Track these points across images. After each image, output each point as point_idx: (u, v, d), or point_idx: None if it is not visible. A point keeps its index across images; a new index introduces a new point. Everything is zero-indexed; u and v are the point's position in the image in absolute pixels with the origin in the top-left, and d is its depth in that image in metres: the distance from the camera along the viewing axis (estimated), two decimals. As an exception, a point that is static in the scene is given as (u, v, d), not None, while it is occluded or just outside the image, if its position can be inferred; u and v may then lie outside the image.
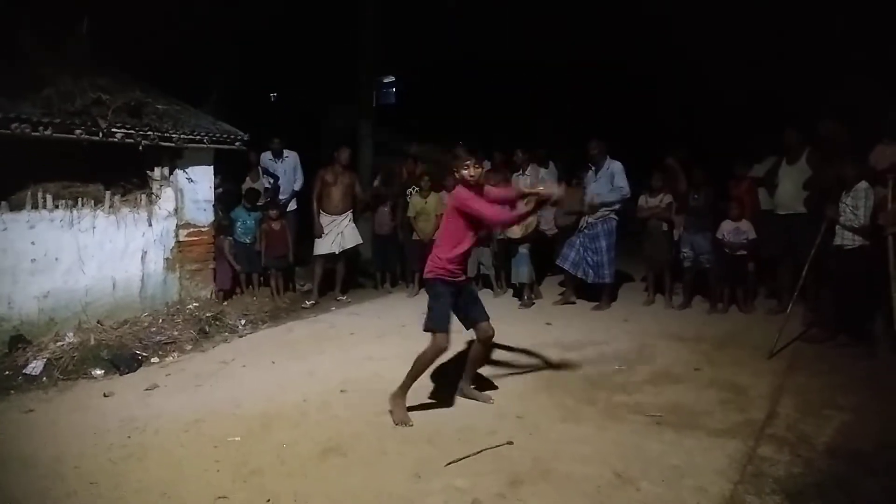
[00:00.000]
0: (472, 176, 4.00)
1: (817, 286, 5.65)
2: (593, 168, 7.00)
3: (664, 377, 4.79)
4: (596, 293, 7.20)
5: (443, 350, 4.05)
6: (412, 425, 3.95)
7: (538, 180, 7.31)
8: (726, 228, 6.65)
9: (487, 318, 4.19)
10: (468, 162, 3.99)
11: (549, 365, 5.12)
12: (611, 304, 7.14)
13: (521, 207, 4.38)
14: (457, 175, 4.10)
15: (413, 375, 4.06)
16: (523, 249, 7.21)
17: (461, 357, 4.55)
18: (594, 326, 6.32)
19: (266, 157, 8.26)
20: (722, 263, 6.69)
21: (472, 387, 4.44)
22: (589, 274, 7.02)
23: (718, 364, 5.07)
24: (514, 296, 7.61)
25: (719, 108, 11.07)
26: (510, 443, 3.65)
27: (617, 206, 6.89)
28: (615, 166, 6.84)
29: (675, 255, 7.05)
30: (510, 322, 6.46)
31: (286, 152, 8.28)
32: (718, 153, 7.72)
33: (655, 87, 12.45)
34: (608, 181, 6.82)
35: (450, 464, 3.40)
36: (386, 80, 17.64)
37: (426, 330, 4.07)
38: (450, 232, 4.10)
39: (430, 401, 4.34)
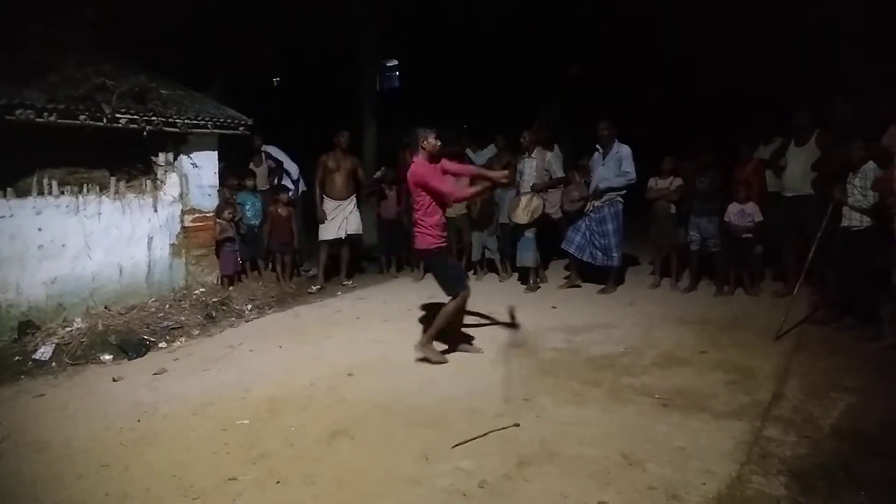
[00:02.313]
0: (434, 146, 4.68)
1: (824, 268, 5.63)
2: (601, 151, 6.95)
3: (670, 360, 4.79)
4: (601, 276, 7.20)
5: (466, 300, 4.78)
6: (447, 362, 4.70)
7: (544, 163, 7.26)
8: (732, 211, 6.62)
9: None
10: (432, 134, 4.67)
11: (555, 348, 5.14)
12: (617, 287, 7.13)
13: (473, 187, 5.04)
14: (423, 146, 4.68)
15: (438, 327, 4.71)
16: (529, 234, 7.19)
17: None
18: (600, 310, 6.32)
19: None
20: (728, 246, 6.67)
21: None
22: (597, 257, 7.00)
23: (724, 346, 5.06)
24: (519, 280, 7.61)
25: (724, 90, 10.99)
26: (517, 425, 3.66)
27: (623, 190, 6.86)
28: (623, 150, 6.78)
29: (682, 238, 7.02)
30: (516, 306, 6.48)
31: (265, 148, 8.24)
32: (724, 135, 7.66)
33: (660, 69, 12.34)
34: (616, 165, 6.76)
35: (457, 445, 3.42)
36: (389, 64, 17.54)
37: (452, 294, 4.67)
38: (422, 205, 4.66)
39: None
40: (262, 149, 8.19)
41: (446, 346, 4.99)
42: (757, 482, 3.02)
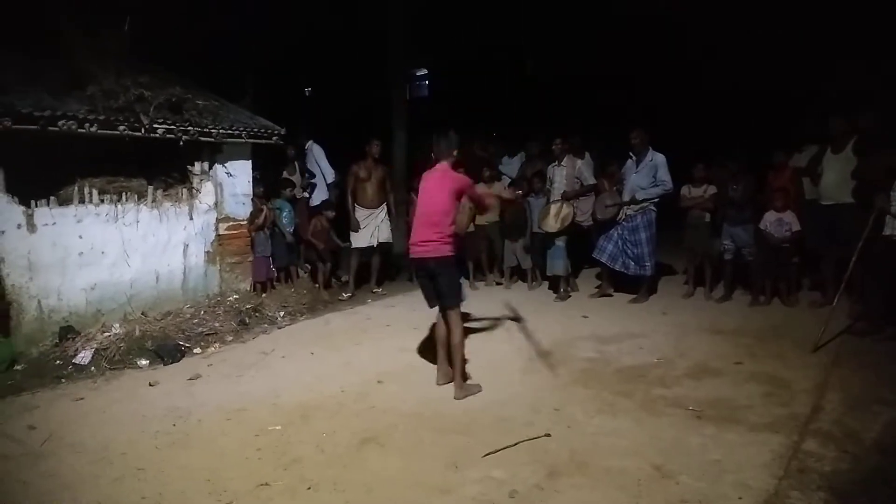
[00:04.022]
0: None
1: (864, 278, 5.49)
2: (634, 158, 6.88)
3: (704, 371, 4.71)
4: (633, 285, 7.11)
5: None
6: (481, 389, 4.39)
7: (575, 171, 7.22)
8: (769, 219, 6.49)
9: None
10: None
11: (586, 358, 5.09)
12: (649, 296, 7.04)
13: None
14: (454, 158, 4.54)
15: (460, 361, 4.33)
16: (559, 242, 7.15)
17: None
18: (632, 319, 6.25)
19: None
20: (764, 255, 6.53)
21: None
22: (630, 266, 6.92)
23: (760, 357, 4.96)
24: (549, 288, 7.57)
25: (755, 97, 10.84)
26: (548, 435, 3.64)
27: (656, 199, 6.77)
28: (658, 159, 6.69)
29: (717, 247, 6.90)
30: (546, 315, 6.46)
31: (307, 146, 8.31)
32: (756, 142, 7.54)
33: (690, 75, 12.20)
34: (650, 173, 6.68)
35: (487, 455, 3.41)
36: (419, 73, 17.65)
37: (457, 306, 4.35)
38: (450, 209, 4.39)
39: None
40: (307, 148, 8.30)
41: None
42: (795, 497, 2.94)
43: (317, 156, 8.27)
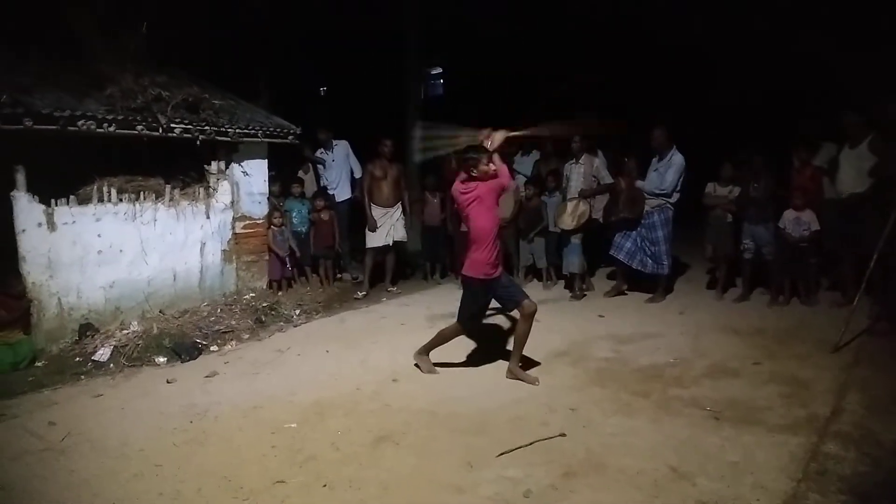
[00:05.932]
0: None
1: (885, 277, 5.40)
2: (658, 156, 6.81)
3: (721, 371, 4.67)
4: (648, 284, 7.06)
5: (462, 334, 4.73)
6: (438, 373, 4.71)
7: (592, 169, 7.18)
8: (788, 218, 6.40)
9: (527, 296, 4.50)
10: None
11: (602, 358, 5.06)
12: (666, 296, 6.98)
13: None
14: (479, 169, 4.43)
15: (433, 344, 4.76)
16: (575, 240, 7.11)
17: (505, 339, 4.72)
18: (648, 319, 6.20)
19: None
20: (783, 254, 6.45)
21: (520, 366, 4.62)
22: (647, 264, 6.87)
23: (779, 358, 4.90)
24: (565, 287, 7.53)
25: (772, 96, 10.71)
26: (563, 434, 3.62)
27: (673, 199, 6.70)
28: (675, 160, 6.61)
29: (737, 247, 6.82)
30: (562, 314, 6.43)
31: (335, 142, 8.39)
32: (775, 140, 7.44)
33: (707, 74, 12.07)
34: (665, 172, 6.65)
35: (502, 454, 3.41)
36: (433, 72, 17.62)
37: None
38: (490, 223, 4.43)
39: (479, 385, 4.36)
40: (336, 144, 8.36)
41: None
42: (814, 500, 2.91)
43: (345, 153, 8.37)
